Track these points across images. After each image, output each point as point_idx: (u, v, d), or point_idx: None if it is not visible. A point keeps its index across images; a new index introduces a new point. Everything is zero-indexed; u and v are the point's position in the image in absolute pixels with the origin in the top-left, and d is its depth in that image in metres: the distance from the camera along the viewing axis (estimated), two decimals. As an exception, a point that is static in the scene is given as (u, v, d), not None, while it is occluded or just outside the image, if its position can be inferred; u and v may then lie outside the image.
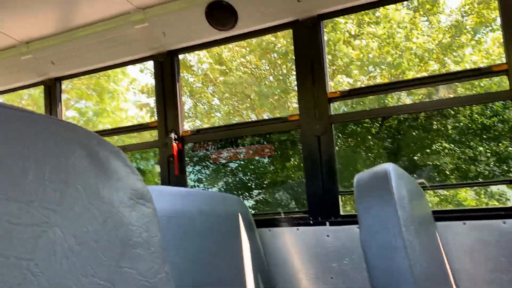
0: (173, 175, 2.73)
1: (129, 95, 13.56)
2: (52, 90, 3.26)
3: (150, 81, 12.57)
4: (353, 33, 9.36)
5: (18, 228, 0.42)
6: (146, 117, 12.86)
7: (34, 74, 3.20)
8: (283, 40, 9.94)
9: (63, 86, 3.34)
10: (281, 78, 10.65)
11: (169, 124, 2.80)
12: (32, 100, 12.49)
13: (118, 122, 13.56)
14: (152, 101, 12.60)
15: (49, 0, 2.60)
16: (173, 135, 2.73)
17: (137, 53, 2.88)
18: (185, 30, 2.65)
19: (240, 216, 2.23)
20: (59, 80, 3.25)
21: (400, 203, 1.24)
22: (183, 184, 2.75)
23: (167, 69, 2.85)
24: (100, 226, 0.52)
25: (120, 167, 0.61)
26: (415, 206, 1.43)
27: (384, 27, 9.14)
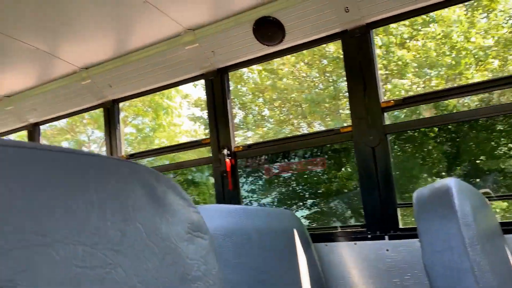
0: (227, 190, 2.77)
1: (183, 110, 13.96)
2: (110, 111, 3.42)
3: (202, 95, 12.90)
4: (406, 36, 9.09)
5: (85, 271, 0.44)
6: (199, 130, 13.15)
7: (94, 97, 3.38)
8: (332, 46, 9.84)
9: (120, 105, 3.50)
10: (331, 83, 10.53)
11: (222, 140, 2.85)
12: (92, 119, 13.21)
13: (173, 136, 14.00)
14: (204, 114, 12.91)
15: (105, 28, 2.75)
16: (225, 151, 2.77)
17: (188, 72, 2.97)
18: (234, 47, 2.69)
19: (295, 232, 2.21)
20: (117, 101, 3.41)
21: (464, 221, 1.17)
22: (237, 198, 2.77)
23: (217, 87, 2.90)
24: (159, 263, 0.53)
25: (177, 201, 0.62)
26: (481, 222, 1.35)
27: (440, 26, 8.79)
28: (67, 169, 0.49)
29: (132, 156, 3.40)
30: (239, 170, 2.81)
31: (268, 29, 2.50)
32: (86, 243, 0.46)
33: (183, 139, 14.00)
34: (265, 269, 1.90)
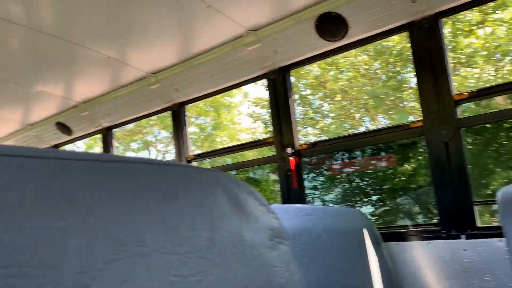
0: (292, 189, 2.76)
1: (243, 108, 14.17)
2: (177, 114, 3.55)
3: (262, 93, 12.98)
4: (474, 22, 8.54)
5: (179, 279, 0.46)
6: (260, 128, 13.26)
7: (162, 101, 3.52)
8: (395, 37, 9.48)
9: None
10: (394, 75, 10.14)
11: (285, 139, 2.85)
12: (158, 119, 13.78)
13: (233, 134, 14.25)
14: (264, 112, 12.99)
15: (170, 33, 2.85)
16: (289, 150, 2.76)
17: (251, 73, 3.00)
18: (295, 45, 2.68)
19: (365, 231, 2.16)
20: (183, 104, 3.53)
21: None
22: (302, 197, 2.76)
23: (279, 86, 2.91)
24: (246, 270, 0.54)
25: (257, 207, 0.63)
26: None
27: (510, 12, 8.18)
28: (158, 181, 0.52)
29: (198, 156, 3.50)
30: (304, 170, 2.80)
31: (330, 25, 2.46)
32: (179, 252, 0.47)
33: (243, 136, 14.20)
34: (335, 269, 1.88)
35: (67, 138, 4.40)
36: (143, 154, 15.26)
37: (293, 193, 2.75)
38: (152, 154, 15.26)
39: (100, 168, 0.47)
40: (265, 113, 12.84)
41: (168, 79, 3.30)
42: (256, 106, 13.19)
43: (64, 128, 4.22)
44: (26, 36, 2.82)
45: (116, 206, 0.46)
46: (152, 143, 15.26)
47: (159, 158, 15.18)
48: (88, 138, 4.49)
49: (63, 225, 0.40)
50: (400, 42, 9.29)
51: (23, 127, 4.57)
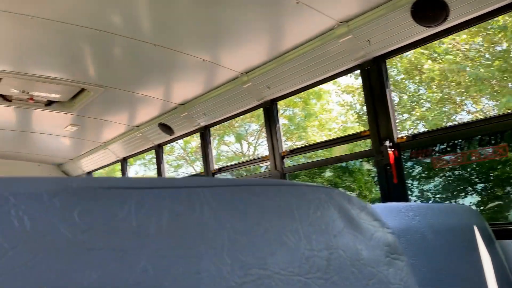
0: (391, 184, 2.66)
1: (333, 97, 13.90)
2: (269, 110, 3.60)
3: (352, 81, 12.61)
4: None
5: (300, 301, 0.47)
6: (351, 118, 12.94)
7: (254, 99, 3.60)
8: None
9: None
10: (500, 54, 9.20)
11: (382, 132, 2.74)
12: (251, 114, 14.07)
13: (323, 124, 14.07)
14: (354, 100, 12.62)
15: (260, 33, 2.90)
16: (387, 143, 2.66)
17: (343, 65, 2.93)
18: (390, 34, 2.56)
19: (475, 228, 2.01)
20: (275, 101, 3.57)
21: None
22: (403, 192, 2.65)
23: (374, 76, 2.81)
24: (364, 290, 0.54)
25: (370, 223, 0.62)
26: None
27: None
28: (274, 201, 0.53)
29: (292, 151, 3.52)
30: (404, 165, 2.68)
31: (429, 10, 2.31)
32: (300, 273, 0.48)
33: (334, 125, 13.95)
34: (443, 270, 1.77)
35: (169, 137, 4.70)
36: (236, 147, 15.75)
37: (393, 188, 2.65)
38: (244, 147, 15.69)
39: (223, 193, 0.50)
40: (355, 101, 12.47)
41: (259, 77, 3.36)
42: (346, 94, 12.86)
43: (166, 128, 4.52)
44: (128, 46, 3.06)
45: (238, 230, 0.48)
46: (244, 135, 15.68)
47: (251, 151, 15.56)
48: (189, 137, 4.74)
49: (195, 253, 0.43)
50: (502, 18, 8.40)
51: (130, 129, 4.98)
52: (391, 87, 10.91)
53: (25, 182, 0.38)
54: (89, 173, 6.64)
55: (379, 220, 0.64)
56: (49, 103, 4.20)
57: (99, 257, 0.37)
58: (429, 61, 10.04)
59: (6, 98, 3.95)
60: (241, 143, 15.77)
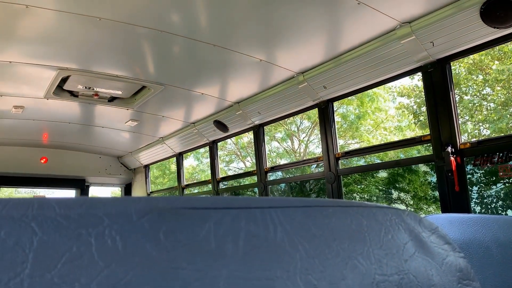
0: (453, 192, 2.55)
1: (388, 96, 13.47)
2: (325, 111, 3.56)
3: (408, 82, 12.18)
4: None
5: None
6: (407, 119, 12.51)
7: (309, 99, 3.57)
8: None
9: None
10: None
11: (444, 137, 2.63)
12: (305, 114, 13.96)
13: (378, 122, 13.70)
14: (410, 102, 12.18)
15: (318, 33, 2.86)
16: (449, 149, 2.55)
17: (403, 66, 2.84)
18: (456, 35, 2.44)
19: (546, 244, 1.88)
20: (331, 101, 3.52)
21: None
22: (465, 201, 2.53)
23: (437, 78, 2.69)
24: (436, 318, 0.52)
25: (441, 246, 0.60)
26: None
27: None
28: (345, 223, 0.53)
29: (347, 153, 3.46)
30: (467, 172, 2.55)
31: (499, 10, 2.18)
32: (369, 299, 0.48)
33: (390, 124, 13.54)
34: (506, 286, 1.68)
35: (224, 134, 4.78)
36: (287, 144, 15.71)
37: (454, 196, 2.54)
38: (295, 143, 15.61)
39: (295, 214, 0.50)
40: (412, 103, 12.03)
41: (315, 77, 3.33)
42: (402, 96, 12.45)
43: (221, 125, 4.60)
44: (187, 46, 3.14)
45: (310, 252, 0.48)
46: (295, 132, 15.60)
47: (302, 148, 15.45)
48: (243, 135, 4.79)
49: (270, 275, 0.44)
50: None
51: (186, 125, 5.12)
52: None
53: (116, 202, 0.40)
54: (147, 166, 6.90)
55: (450, 243, 0.62)
56: (112, 99, 4.41)
57: (182, 276, 0.39)
58: (496, 62, 9.46)
59: (73, 94, 4.19)
60: (292, 140, 15.72)
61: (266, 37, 3.00)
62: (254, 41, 3.06)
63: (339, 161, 3.46)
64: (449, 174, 2.53)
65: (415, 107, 11.81)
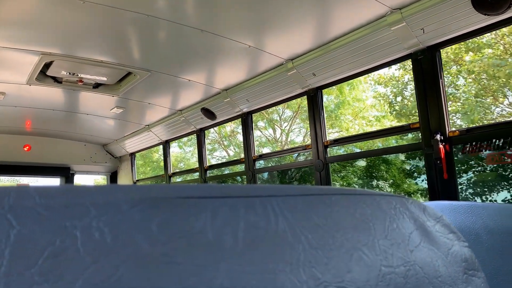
0: (441, 179, 2.56)
1: (367, 85, 13.48)
2: (314, 98, 3.54)
3: (385, 70, 12.17)
4: None
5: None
6: (384, 107, 12.54)
7: (298, 86, 3.54)
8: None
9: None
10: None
11: (433, 125, 2.63)
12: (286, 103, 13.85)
13: (357, 112, 13.72)
14: (388, 91, 12.18)
15: (308, 19, 2.82)
16: (438, 137, 2.55)
17: (393, 54, 2.82)
18: (447, 22, 2.42)
19: (534, 231, 1.89)
20: (320, 89, 3.50)
21: None
22: (453, 189, 2.54)
23: (427, 66, 2.68)
24: (442, 310, 0.50)
25: (447, 236, 0.58)
26: None
27: None
28: (349, 212, 0.50)
29: (335, 141, 3.45)
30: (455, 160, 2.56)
31: (492, -4, 2.16)
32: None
33: (369, 114, 13.56)
34: (498, 273, 1.69)
35: (211, 122, 4.73)
36: (269, 133, 15.69)
37: (442, 184, 2.54)
38: (277, 132, 15.58)
39: (296, 203, 0.47)
40: (389, 92, 12.03)
41: (305, 64, 3.30)
42: (379, 84, 12.43)
43: (208, 113, 4.54)
44: (175, 31, 3.07)
45: (313, 243, 0.46)
46: (277, 121, 15.55)
47: (283, 137, 15.43)
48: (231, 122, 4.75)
49: (272, 268, 0.41)
50: None
51: (173, 113, 5.05)
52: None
53: (104, 191, 0.36)
54: (132, 154, 6.82)
55: (455, 232, 0.60)
56: (97, 86, 4.32)
57: (178, 271, 0.35)
58: (470, 53, 9.53)
59: (57, 80, 4.09)
60: (274, 129, 15.68)
61: (255, 23, 2.95)
62: (243, 26, 3.00)
63: (328, 149, 3.45)
64: (438, 162, 2.53)
65: (391, 96, 11.85)
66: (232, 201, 0.41)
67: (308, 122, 3.63)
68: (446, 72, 10.46)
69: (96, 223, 0.33)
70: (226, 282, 0.37)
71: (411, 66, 2.81)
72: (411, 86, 10.40)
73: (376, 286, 0.46)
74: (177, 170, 8.40)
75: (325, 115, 3.54)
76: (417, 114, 2.75)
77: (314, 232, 0.45)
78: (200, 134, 5.13)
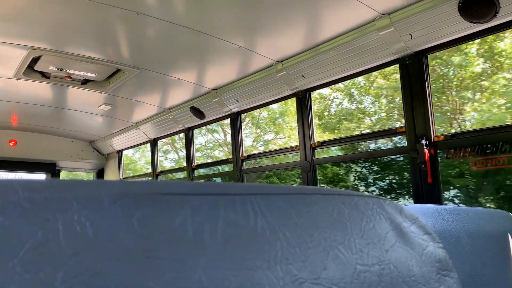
0: (425, 183, 2.60)
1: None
2: (303, 100, 3.56)
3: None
4: None
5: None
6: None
7: (287, 88, 3.56)
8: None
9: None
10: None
11: (419, 129, 2.67)
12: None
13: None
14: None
15: (298, 22, 2.85)
16: (424, 141, 2.59)
17: (381, 58, 2.86)
18: (435, 28, 2.47)
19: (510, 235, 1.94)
20: (309, 91, 3.52)
21: None
22: (437, 193, 2.58)
23: (414, 71, 2.72)
24: (414, 308, 0.52)
25: (421, 237, 0.59)
26: None
27: None
28: (328, 212, 0.51)
29: (323, 143, 3.48)
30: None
31: (477, 5, 2.21)
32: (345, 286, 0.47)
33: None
34: (477, 276, 1.73)
35: (200, 121, 4.73)
36: (221, 136, 15.48)
37: (426, 188, 2.59)
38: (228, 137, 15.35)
39: (276, 201, 0.48)
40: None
41: (294, 66, 3.32)
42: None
43: (197, 112, 4.54)
44: (165, 29, 3.07)
45: (292, 241, 0.47)
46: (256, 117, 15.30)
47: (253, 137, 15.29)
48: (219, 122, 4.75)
49: (250, 264, 0.42)
50: None
51: (161, 111, 5.04)
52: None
53: (86, 185, 0.37)
54: (120, 151, 6.78)
55: (430, 233, 0.61)
56: (85, 82, 4.29)
57: (158, 266, 0.36)
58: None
59: (44, 75, 4.05)
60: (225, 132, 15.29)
61: (246, 24, 2.96)
62: (234, 27, 3.01)
63: (315, 151, 3.48)
64: (423, 166, 2.57)
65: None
66: (213, 198, 0.42)
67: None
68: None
69: (78, 217, 0.34)
70: (205, 277, 0.38)
71: (399, 71, 2.85)
72: None
73: (351, 284, 0.47)
74: (164, 169, 8.36)
75: (313, 117, 3.56)
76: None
77: (292, 230, 0.46)
78: (189, 133, 5.12)
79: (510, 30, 2.33)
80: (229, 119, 4.43)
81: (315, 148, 3.47)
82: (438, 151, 2.58)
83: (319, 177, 3.55)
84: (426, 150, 2.55)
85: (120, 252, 0.35)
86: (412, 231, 0.58)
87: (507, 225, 1.99)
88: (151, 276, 0.35)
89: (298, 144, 3.59)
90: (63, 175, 7.09)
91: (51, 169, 6.79)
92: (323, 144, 3.46)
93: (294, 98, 3.64)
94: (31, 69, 3.85)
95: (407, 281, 0.53)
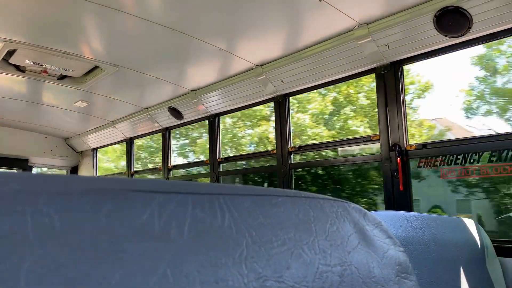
0: (397, 190, 2.66)
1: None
2: (281, 104, 3.59)
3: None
4: None
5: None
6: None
7: (266, 92, 3.59)
8: None
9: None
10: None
11: (392, 138, 2.73)
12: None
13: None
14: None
15: (279, 28, 2.88)
16: (396, 149, 2.65)
17: (359, 67, 2.91)
18: (411, 40, 2.54)
19: (477, 243, 2.01)
20: (287, 96, 3.56)
21: None
22: (408, 200, 2.64)
23: (390, 81, 2.79)
24: (373, 309, 0.54)
25: (383, 240, 0.62)
26: None
27: None
28: (293, 213, 0.53)
29: (300, 148, 3.52)
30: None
31: (451, 20, 2.28)
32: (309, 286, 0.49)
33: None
34: (444, 281, 1.78)
35: (178, 122, 4.71)
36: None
37: (398, 195, 2.65)
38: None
39: (244, 202, 0.50)
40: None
41: (274, 71, 3.35)
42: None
43: (175, 112, 4.52)
44: (146, 28, 3.05)
45: (257, 240, 0.48)
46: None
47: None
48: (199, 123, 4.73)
49: (215, 261, 0.43)
50: None
51: (139, 110, 4.99)
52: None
53: (56, 179, 0.38)
54: (95, 149, 6.68)
55: (391, 238, 0.64)
56: (62, 77, 4.21)
57: (122, 258, 0.37)
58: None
59: (19, 69, 3.96)
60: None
61: (227, 26, 2.97)
62: (215, 29, 3.02)
63: (292, 155, 3.51)
64: (395, 174, 2.63)
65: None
66: (182, 196, 0.44)
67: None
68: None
69: (47, 210, 0.35)
70: (170, 271, 0.39)
71: (375, 79, 2.91)
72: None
73: (312, 283, 0.49)
74: (141, 169, 8.27)
75: (291, 122, 3.60)
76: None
77: (258, 229, 0.48)
78: (166, 133, 5.09)
79: (482, 44, 2.41)
80: (207, 120, 4.42)
81: (292, 152, 3.50)
82: (410, 160, 2.65)
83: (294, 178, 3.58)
84: (398, 159, 2.61)
85: (86, 244, 0.36)
86: (375, 235, 0.60)
87: (473, 232, 2.06)
88: (115, 268, 0.36)
89: (275, 148, 3.62)
90: (35, 172, 6.94)
91: (23, 165, 6.63)
92: (300, 149, 3.50)
93: (276, 102, 3.66)
94: (6, 62, 3.77)
95: (367, 282, 0.55)
